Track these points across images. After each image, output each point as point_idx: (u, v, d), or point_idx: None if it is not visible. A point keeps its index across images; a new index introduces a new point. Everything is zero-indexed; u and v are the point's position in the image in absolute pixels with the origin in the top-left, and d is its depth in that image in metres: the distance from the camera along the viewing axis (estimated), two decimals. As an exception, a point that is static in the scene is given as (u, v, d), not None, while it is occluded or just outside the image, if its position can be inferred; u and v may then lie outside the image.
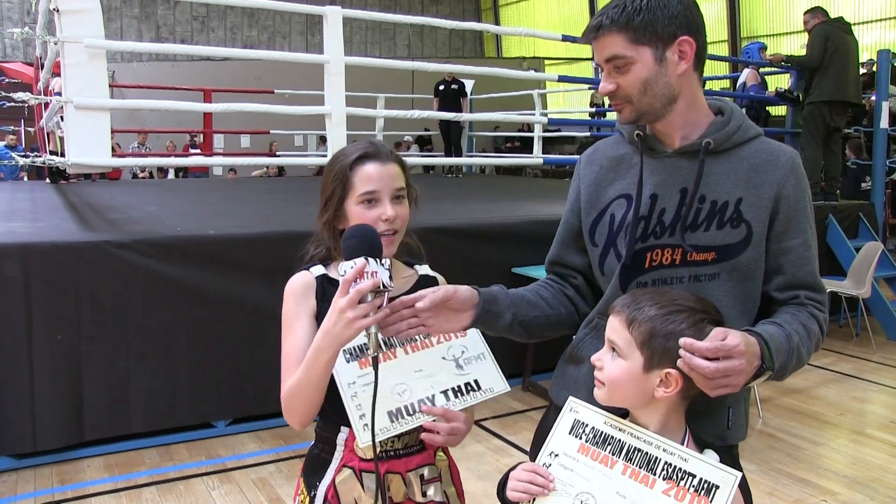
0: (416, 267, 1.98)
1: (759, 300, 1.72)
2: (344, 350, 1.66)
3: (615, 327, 1.54)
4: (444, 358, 1.79)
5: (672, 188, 1.72)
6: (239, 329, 4.53)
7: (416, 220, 1.93)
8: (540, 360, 5.39)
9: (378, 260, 1.59)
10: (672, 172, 1.72)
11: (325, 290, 1.83)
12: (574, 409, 1.60)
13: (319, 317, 1.78)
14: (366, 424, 1.67)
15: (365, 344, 1.71)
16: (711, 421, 1.69)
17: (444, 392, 1.77)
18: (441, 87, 12.19)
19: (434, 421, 1.74)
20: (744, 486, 1.57)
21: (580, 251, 1.92)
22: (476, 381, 1.80)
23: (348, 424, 1.77)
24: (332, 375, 1.71)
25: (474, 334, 1.82)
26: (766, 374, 1.56)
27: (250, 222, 5.36)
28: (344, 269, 1.58)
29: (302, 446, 4.32)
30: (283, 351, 1.81)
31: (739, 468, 1.58)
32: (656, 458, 1.46)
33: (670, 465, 1.44)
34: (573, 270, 1.96)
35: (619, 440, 1.51)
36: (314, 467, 1.87)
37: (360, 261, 1.56)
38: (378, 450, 1.71)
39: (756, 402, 4.89)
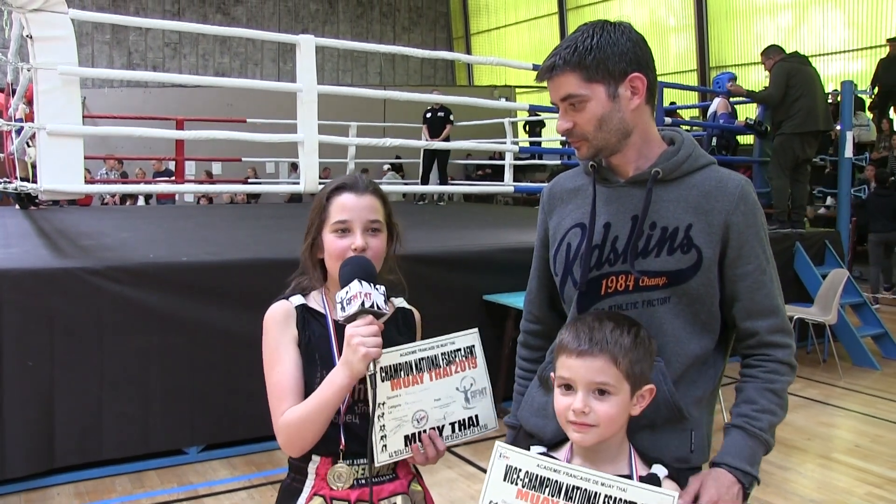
0: (393, 300, 2.01)
1: (712, 320, 1.76)
2: (381, 368, 1.72)
3: (601, 369, 1.57)
4: (457, 389, 1.84)
5: (624, 216, 1.76)
6: (211, 355, 4.55)
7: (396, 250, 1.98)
8: (511, 385, 5.42)
9: (372, 284, 1.68)
10: (624, 201, 1.77)
11: (306, 319, 1.87)
12: (504, 455, 1.61)
13: (301, 345, 1.84)
14: (385, 445, 1.73)
15: (399, 364, 1.76)
16: (675, 444, 1.73)
17: (453, 424, 1.83)
18: (428, 115, 12.38)
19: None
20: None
21: (551, 292, 1.98)
22: (476, 417, 1.86)
23: (320, 453, 1.82)
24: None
25: (481, 367, 1.88)
26: (755, 483, 1.69)
27: (223, 249, 5.38)
28: (340, 297, 1.66)
29: (273, 472, 4.33)
30: (270, 380, 1.83)
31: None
32: (596, 493, 1.49)
33: (610, 496, 1.48)
34: (545, 325, 2.04)
35: (556, 481, 1.53)
36: (285, 497, 1.89)
37: (354, 284, 1.65)
38: (351, 481, 1.79)
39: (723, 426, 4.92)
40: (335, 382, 1.71)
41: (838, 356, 7.13)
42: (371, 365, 1.66)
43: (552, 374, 1.68)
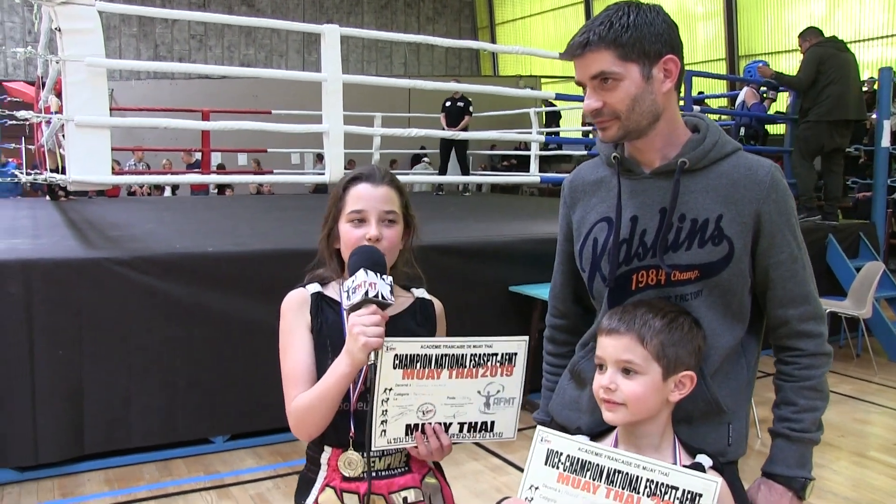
0: (413, 290, 2.02)
1: (743, 310, 1.75)
2: (396, 356, 1.70)
3: (627, 347, 1.59)
4: (479, 392, 1.79)
5: (652, 209, 1.74)
6: (236, 345, 4.59)
7: (413, 242, 1.98)
8: (537, 377, 5.42)
9: (378, 274, 1.68)
10: (651, 193, 1.75)
11: (320, 306, 1.89)
12: (545, 440, 1.62)
13: (314, 331, 1.86)
14: (383, 431, 1.72)
15: (417, 354, 1.73)
16: (712, 437, 1.73)
17: (461, 424, 1.80)
18: (447, 104, 12.36)
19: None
20: (742, 499, 1.65)
21: (576, 286, 1.98)
22: (492, 423, 1.82)
23: (332, 444, 1.85)
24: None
25: (518, 378, 1.81)
26: (809, 483, 1.72)
27: (248, 240, 5.42)
28: (346, 286, 1.68)
29: (299, 462, 4.32)
30: (283, 365, 1.86)
31: (740, 484, 1.66)
32: (637, 476, 1.49)
33: (652, 481, 1.48)
34: (570, 320, 2.04)
35: (598, 464, 1.54)
36: (302, 487, 1.92)
37: (360, 274, 1.66)
38: (361, 469, 1.80)
39: (755, 423, 4.93)
40: (337, 370, 1.72)
41: (873, 351, 7.01)
42: (372, 354, 1.65)
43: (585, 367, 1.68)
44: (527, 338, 1.80)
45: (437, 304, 2.03)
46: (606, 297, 1.79)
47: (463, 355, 1.75)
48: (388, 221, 1.87)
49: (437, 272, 5.14)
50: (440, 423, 1.77)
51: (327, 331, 1.86)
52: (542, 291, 5.16)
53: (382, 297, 1.67)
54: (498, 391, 1.80)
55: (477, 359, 1.76)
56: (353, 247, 1.83)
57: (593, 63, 1.65)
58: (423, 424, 1.76)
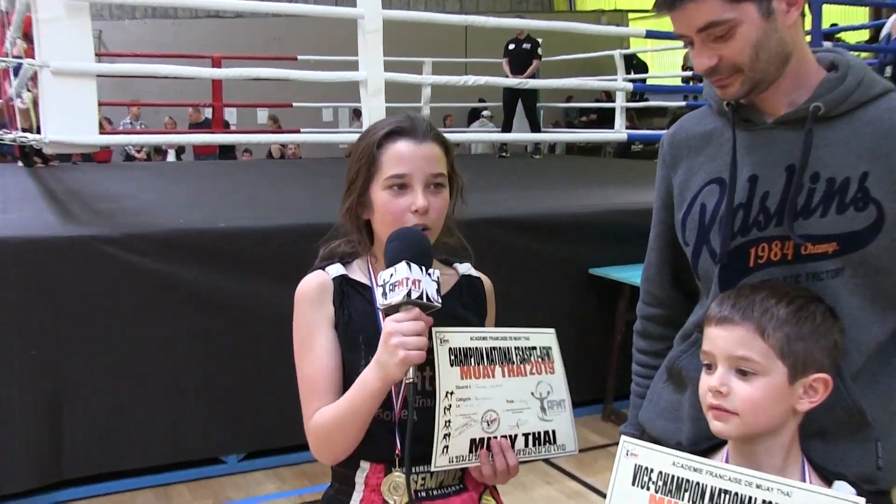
0: (457, 265, 2.02)
1: None
2: (450, 350, 1.73)
3: (743, 340, 1.55)
4: (532, 393, 1.83)
5: (776, 167, 1.70)
6: (256, 343, 4.58)
7: (466, 212, 1.97)
8: (624, 381, 5.34)
9: (424, 268, 1.67)
10: (775, 147, 1.71)
11: (345, 293, 1.88)
12: (631, 453, 1.58)
13: (338, 326, 1.86)
14: (446, 447, 1.72)
15: (469, 348, 1.76)
16: (855, 458, 1.67)
17: (526, 436, 1.82)
18: (511, 47, 12.23)
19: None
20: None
21: (677, 266, 1.96)
22: (553, 433, 1.85)
23: (370, 459, 1.84)
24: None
25: (560, 375, 1.88)
26: None
27: (270, 213, 5.42)
28: (383, 279, 1.67)
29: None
30: (300, 371, 1.87)
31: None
32: (750, 497, 1.44)
33: (769, 502, 1.43)
34: (669, 309, 2.03)
35: (698, 483, 1.50)
36: None
37: (401, 267, 1.65)
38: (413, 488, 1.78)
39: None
40: (367, 385, 1.72)
41: None
42: (410, 371, 1.64)
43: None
44: (553, 330, 1.88)
45: (487, 282, 2.04)
46: (717, 278, 1.76)
47: (509, 348, 1.81)
48: (435, 186, 1.85)
49: (498, 251, 5.17)
50: (505, 437, 1.78)
51: (358, 323, 1.85)
52: (630, 274, 5.14)
53: (429, 298, 1.66)
54: (548, 392, 1.85)
55: (522, 353, 1.83)
56: (394, 220, 1.81)
57: (697, 13, 1.61)
58: (488, 439, 1.76)
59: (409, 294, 1.64)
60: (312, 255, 2.04)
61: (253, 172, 10.14)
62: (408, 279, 1.64)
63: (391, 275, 1.66)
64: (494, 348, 1.78)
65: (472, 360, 1.74)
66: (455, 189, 1.94)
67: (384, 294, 1.66)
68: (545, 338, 1.86)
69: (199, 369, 4.51)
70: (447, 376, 1.71)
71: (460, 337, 1.74)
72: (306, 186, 7.89)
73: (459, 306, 1.92)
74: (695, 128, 1.88)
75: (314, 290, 1.88)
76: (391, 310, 1.67)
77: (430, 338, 1.69)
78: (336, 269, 1.91)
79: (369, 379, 1.71)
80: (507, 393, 1.79)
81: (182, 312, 4.46)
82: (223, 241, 4.58)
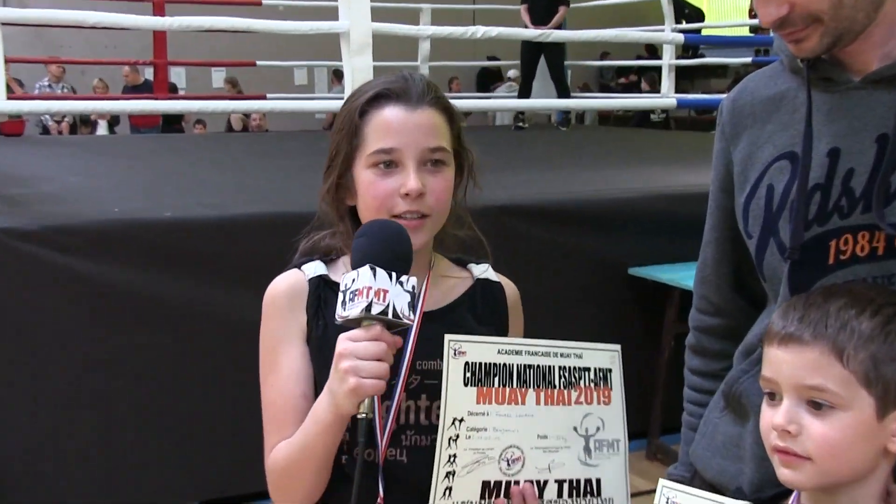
0: (472, 266, 2.02)
1: None
2: (467, 364, 1.69)
3: (815, 364, 1.50)
4: (575, 428, 1.79)
5: (863, 138, 1.68)
6: (212, 363, 4.58)
7: (476, 199, 1.98)
8: (672, 413, 5.32)
9: (394, 275, 1.63)
10: (863, 113, 1.69)
11: (322, 298, 1.88)
12: (673, 501, 1.59)
13: (311, 339, 1.86)
14: (448, 489, 1.69)
15: (495, 364, 1.72)
16: None
17: (560, 483, 1.78)
18: None
19: None
20: None
21: (739, 264, 1.95)
22: (598, 483, 1.81)
23: None
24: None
25: (618, 406, 1.83)
26: None
27: (229, 200, 5.43)
28: (345, 284, 1.64)
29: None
30: (263, 396, 1.89)
31: None
32: None
33: None
34: (729, 317, 2.01)
35: None
36: None
37: (365, 273, 1.60)
38: None
39: None
40: (318, 417, 1.72)
41: None
42: (364, 404, 1.62)
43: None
44: (618, 347, 1.83)
45: (510, 288, 2.04)
46: (786, 278, 1.74)
47: (550, 367, 1.76)
48: (433, 163, 1.84)
49: (517, 245, 5.14)
50: (531, 482, 1.74)
51: (335, 336, 1.77)
52: (682, 275, 5.11)
53: (397, 314, 1.62)
54: (597, 429, 1.80)
55: (570, 374, 1.78)
56: (379, 207, 1.81)
57: None
58: (507, 483, 1.72)
59: (368, 308, 1.60)
60: (285, 251, 2.03)
61: (207, 149, 10.15)
62: (369, 289, 1.60)
63: (353, 279, 1.63)
64: (530, 366, 1.73)
65: (497, 379, 1.71)
66: (465, 169, 1.94)
67: (343, 304, 1.64)
68: (605, 357, 1.82)
69: (139, 396, 4.47)
70: (458, 398, 1.68)
71: (483, 349, 1.71)
72: (275, 167, 7.88)
73: (471, 318, 1.91)
74: (762, 90, 1.87)
75: (283, 294, 1.89)
76: (351, 324, 1.65)
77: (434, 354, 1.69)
78: (314, 268, 1.91)
79: (320, 409, 1.71)
80: (539, 425, 1.75)
81: (118, 325, 4.42)
82: (170, 235, 4.55)
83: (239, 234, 4.63)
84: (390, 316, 1.61)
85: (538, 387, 1.74)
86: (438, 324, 1.74)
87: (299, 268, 1.92)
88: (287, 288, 1.89)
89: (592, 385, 1.78)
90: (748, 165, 1.85)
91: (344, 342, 1.63)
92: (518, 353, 1.73)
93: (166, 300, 4.49)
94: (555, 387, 1.75)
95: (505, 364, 1.71)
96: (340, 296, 1.65)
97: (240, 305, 4.47)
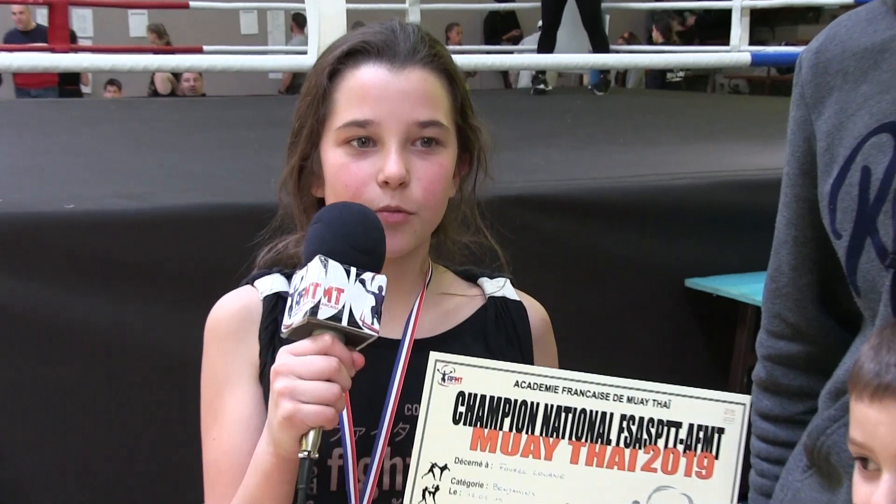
0: (484, 282, 2.02)
1: None
2: (460, 393, 1.65)
3: None
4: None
5: None
6: (133, 403, 4.59)
7: (486, 188, 1.99)
8: (744, 471, 5.36)
9: (354, 271, 1.60)
10: None
11: (280, 321, 1.81)
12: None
13: (264, 376, 1.84)
14: None
15: (506, 399, 1.65)
16: None
17: None
18: None
19: None
20: None
21: (825, 272, 1.94)
22: None
23: None
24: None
25: (725, 484, 1.69)
26: None
27: (157, 189, 5.42)
28: (293, 286, 1.64)
29: None
30: (203, 450, 1.90)
31: None
32: None
33: None
34: (811, 343, 1.98)
35: None
36: None
37: (314, 266, 1.59)
38: None
39: None
40: (258, 462, 1.71)
41: None
42: (310, 437, 1.58)
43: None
44: (747, 399, 1.71)
45: (535, 309, 2.03)
46: (888, 292, 1.71)
47: (605, 415, 1.66)
48: (423, 143, 1.84)
49: (539, 248, 5.14)
50: None
51: None
52: (754, 288, 5.05)
53: (353, 321, 1.59)
54: None
55: (637, 427, 1.66)
56: (350, 197, 1.79)
57: None
58: None
59: (314, 310, 1.57)
60: (233, 256, 2.04)
61: (123, 120, 10.09)
62: (317, 286, 1.57)
63: (302, 277, 1.61)
64: (569, 409, 1.64)
65: (508, 421, 1.64)
66: (474, 151, 1.94)
67: (289, 310, 1.63)
68: (715, 410, 1.68)
69: (61, 438, 4.48)
70: (442, 438, 1.65)
71: (488, 378, 1.65)
72: (216, 143, 7.88)
73: (481, 347, 1.88)
74: (855, 38, 1.85)
75: (229, 320, 1.89)
76: (298, 336, 1.62)
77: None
78: (270, 284, 1.91)
79: (259, 452, 1.70)
80: (571, 493, 1.64)
81: (28, 353, 4.41)
82: (73, 234, 4.51)
83: (169, 234, 4.62)
84: (345, 322, 1.57)
85: (579, 439, 1.65)
86: (440, 349, 1.68)
87: (252, 283, 1.91)
88: (234, 312, 1.89)
89: (682, 447, 1.66)
90: (836, 140, 1.82)
91: (283, 356, 1.60)
92: (550, 388, 1.64)
93: (69, 322, 4.48)
94: (609, 442, 1.65)
95: (525, 402, 1.64)
96: (289, 300, 1.63)
97: (171, 331, 4.49)
